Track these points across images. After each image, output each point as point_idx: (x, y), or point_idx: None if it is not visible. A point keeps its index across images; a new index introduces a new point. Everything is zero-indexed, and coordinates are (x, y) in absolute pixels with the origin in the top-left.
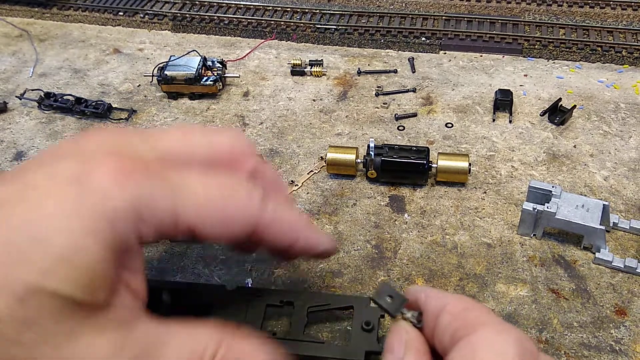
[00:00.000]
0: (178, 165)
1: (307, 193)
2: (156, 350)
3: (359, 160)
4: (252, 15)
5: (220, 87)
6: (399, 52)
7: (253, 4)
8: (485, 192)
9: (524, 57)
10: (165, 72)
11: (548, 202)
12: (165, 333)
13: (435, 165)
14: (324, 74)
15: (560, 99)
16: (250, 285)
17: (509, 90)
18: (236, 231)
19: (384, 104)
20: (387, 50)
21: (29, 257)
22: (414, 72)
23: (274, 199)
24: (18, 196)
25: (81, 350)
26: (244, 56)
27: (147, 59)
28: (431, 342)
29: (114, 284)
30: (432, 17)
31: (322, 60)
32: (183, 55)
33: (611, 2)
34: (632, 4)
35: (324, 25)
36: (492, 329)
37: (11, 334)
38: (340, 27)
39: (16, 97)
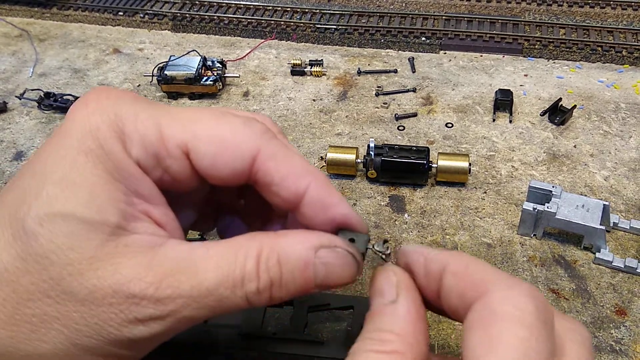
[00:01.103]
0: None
1: None
2: (191, 265)
3: (359, 160)
4: (252, 15)
5: (220, 87)
6: (399, 52)
7: (253, 4)
8: (485, 192)
9: (524, 57)
10: (165, 72)
11: (548, 202)
12: (198, 249)
13: (436, 165)
14: (324, 74)
15: (560, 99)
16: None
17: (509, 90)
18: (237, 159)
19: (384, 104)
20: (387, 50)
21: (32, 192)
22: (414, 72)
23: (276, 137)
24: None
25: (106, 276)
26: (244, 56)
27: (147, 59)
28: (436, 303)
29: (126, 208)
30: (432, 17)
31: (322, 60)
32: (183, 55)
33: (611, 2)
34: (632, 4)
35: (324, 25)
36: (504, 285)
37: (36, 272)
38: (340, 27)
39: (16, 97)
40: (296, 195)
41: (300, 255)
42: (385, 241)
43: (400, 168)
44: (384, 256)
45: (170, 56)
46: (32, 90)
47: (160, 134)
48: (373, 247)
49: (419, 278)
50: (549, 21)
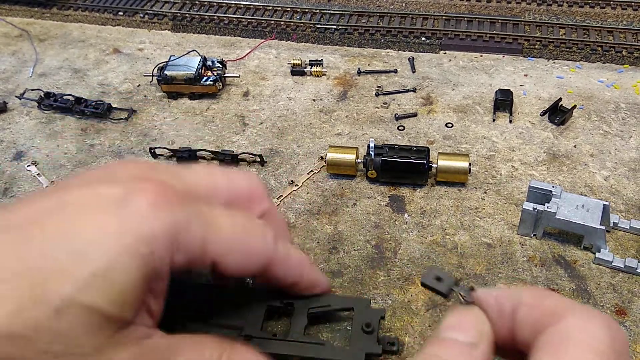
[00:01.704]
0: (204, 200)
1: (307, 193)
2: (165, 358)
3: (359, 160)
4: (252, 15)
5: (220, 87)
6: (399, 52)
7: (253, 4)
8: (485, 192)
9: (524, 57)
10: (165, 72)
11: (548, 202)
12: (175, 345)
13: (436, 165)
14: (324, 74)
15: (560, 99)
16: (250, 285)
17: (509, 90)
18: (254, 266)
19: (384, 104)
20: (387, 50)
21: (67, 270)
22: (414, 72)
23: (282, 239)
24: (59, 211)
25: None
26: (244, 56)
27: (147, 58)
28: (511, 342)
29: (140, 305)
30: (432, 17)
31: (322, 60)
32: (183, 55)
33: (611, 2)
34: (632, 3)
35: (324, 25)
36: (580, 314)
37: (43, 344)
38: (340, 27)
39: (16, 97)
40: (293, 283)
41: None
42: (472, 288)
43: (400, 168)
44: (464, 302)
45: (170, 56)
46: (32, 90)
47: (204, 248)
48: (457, 291)
49: (491, 319)
50: (549, 21)
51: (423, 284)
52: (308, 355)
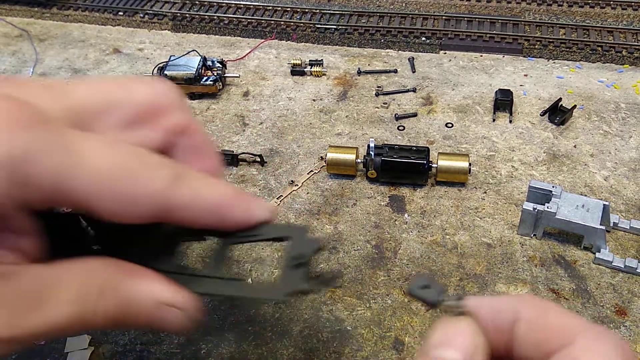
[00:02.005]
0: (86, 125)
1: (307, 193)
2: (45, 293)
3: (359, 160)
4: (252, 15)
5: (220, 87)
6: (399, 52)
7: (253, 4)
8: (485, 192)
9: (524, 57)
10: (165, 72)
11: (548, 202)
12: (54, 275)
13: (436, 165)
14: (324, 74)
15: (560, 99)
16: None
17: (509, 90)
18: (139, 214)
19: (384, 104)
20: (387, 50)
21: None
22: (414, 72)
23: (192, 174)
24: None
25: None
26: (244, 56)
27: (147, 59)
28: (506, 356)
29: None
30: (432, 17)
31: (322, 60)
32: (183, 55)
33: (611, 2)
34: (632, 3)
35: (324, 25)
36: (590, 335)
37: None
38: (340, 27)
39: None
40: (214, 225)
41: (140, 305)
42: (460, 298)
43: (400, 168)
44: (455, 312)
45: (170, 56)
46: None
47: (60, 187)
48: (444, 301)
49: (486, 332)
50: (549, 21)
51: (410, 294)
52: (220, 293)
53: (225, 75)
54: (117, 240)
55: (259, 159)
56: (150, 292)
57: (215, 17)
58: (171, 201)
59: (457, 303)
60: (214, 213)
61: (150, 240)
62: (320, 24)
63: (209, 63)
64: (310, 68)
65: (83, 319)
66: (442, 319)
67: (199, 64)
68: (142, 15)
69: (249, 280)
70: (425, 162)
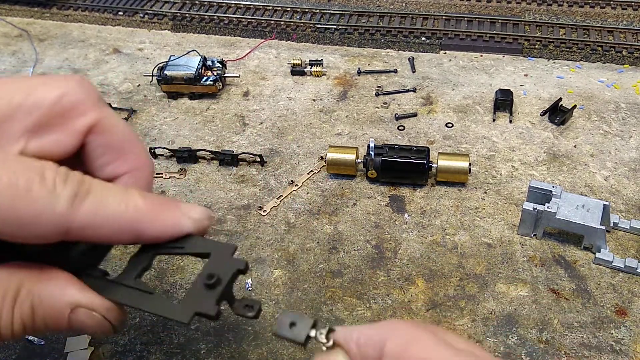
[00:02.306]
0: None
1: (307, 193)
2: None
3: (359, 160)
4: (252, 15)
5: (220, 86)
6: (399, 52)
7: (253, 3)
8: (485, 192)
9: (525, 56)
10: (165, 72)
11: (548, 202)
12: None
13: (436, 165)
14: (324, 74)
15: (560, 99)
16: (250, 287)
17: (509, 90)
18: (36, 236)
19: (384, 103)
20: (387, 50)
21: None
22: (414, 72)
23: (98, 188)
24: None
25: None
26: (244, 56)
27: (147, 58)
28: None
29: None
30: (432, 16)
31: (322, 60)
32: (183, 55)
33: (611, 2)
34: (632, 3)
35: (324, 25)
36: None
37: None
38: (340, 27)
39: None
40: (131, 241)
41: (54, 308)
42: (330, 330)
43: (400, 168)
44: (325, 348)
45: (170, 56)
46: None
47: None
48: (315, 336)
49: None
50: (549, 21)
51: (276, 335)
52: (125, 302)
53: (225, 75)
54: (33, 247)
55: (259, 159)
56: (63, 295)
57: (215, 17)
58: (72, 223)
59: (325, 339)
60: (128, 229)
61: (72, 246)
62: (320, 24)
63: (209, 63)
64: (310, 68)
65: None
66: (316, 356)
67: (199, 64)
68: (142, 15)
69: (249, 281)
70: (425, 162)
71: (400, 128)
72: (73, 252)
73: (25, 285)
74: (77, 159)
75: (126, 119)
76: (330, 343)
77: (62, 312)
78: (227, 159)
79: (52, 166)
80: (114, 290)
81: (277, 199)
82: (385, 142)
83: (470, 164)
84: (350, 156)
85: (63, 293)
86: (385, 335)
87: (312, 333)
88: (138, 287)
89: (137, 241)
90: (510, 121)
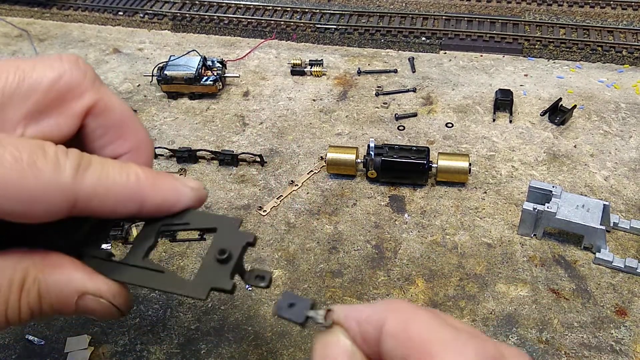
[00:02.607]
0: None
1: (307, 193)
2: None
3: (359, 160)
4: (252, 15)
5: (220, 86)
6: (399, 51)
7: (253, 3)
8: (485, 192)
9: (525, 56)
10: (165, 72)
11: (548, 202)
12: None
13: (436, 165)
14: (324, 74)
15: (560, 99)
16: (250, 287)
17: (509, 90)
18: (42, 210)
19: (384, 103)
20: (387, 50)
21: None
22: (414, 72)
23: (99, 159)
24: None
25: None
26: (244, 56)
27: (147, 58)
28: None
29: None
30: (432, 16)
31: (322, 60)
32: (183, 55)
33: (611, 2)
34: (632, 3)
35: (324, 25)
36: (450, 350)
37: None
38: (340, 27)
39: None
40: (133, 214)
41: (61, 295)
42: (329, 310)
43: (400, 168)
44: (323, 328)
45: (170, 56)
46: None
47: None
48: (314, 317)
49: (358, 345)
50: (549, 21)
51: (276, 315)
52: (136, 282)
53: (225, 75)
54: (38, 231)
55: (259, 159)
56: (70, 281)
57: (215, 17)
58: (78, 192)
59: (323, 319)
60: (131, 198)
61: (76, 228)
62: (320, 24)
63: (209, 63)
64: (310, 68)
65: None
66: (316, 336)
67: (199, 64)
68: (142, 15)
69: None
70: (425, 162)
71: (400, 128)
72: (76, 235)
73: (31, 272)
74: (76, 140)
75: None
76: (329, 322)
77: (70, 299)
78: (227, 159)
79: (51, 143)
80: (122, 272)
81: (277, 199)
82: (385, 142)
83: (470, 164)
84: (350, 156)
85: (70, 279)
86: (385, 313)
87: (311, 313)
88: (147, 266)
89: (140, 212)
90: (510, 121)
